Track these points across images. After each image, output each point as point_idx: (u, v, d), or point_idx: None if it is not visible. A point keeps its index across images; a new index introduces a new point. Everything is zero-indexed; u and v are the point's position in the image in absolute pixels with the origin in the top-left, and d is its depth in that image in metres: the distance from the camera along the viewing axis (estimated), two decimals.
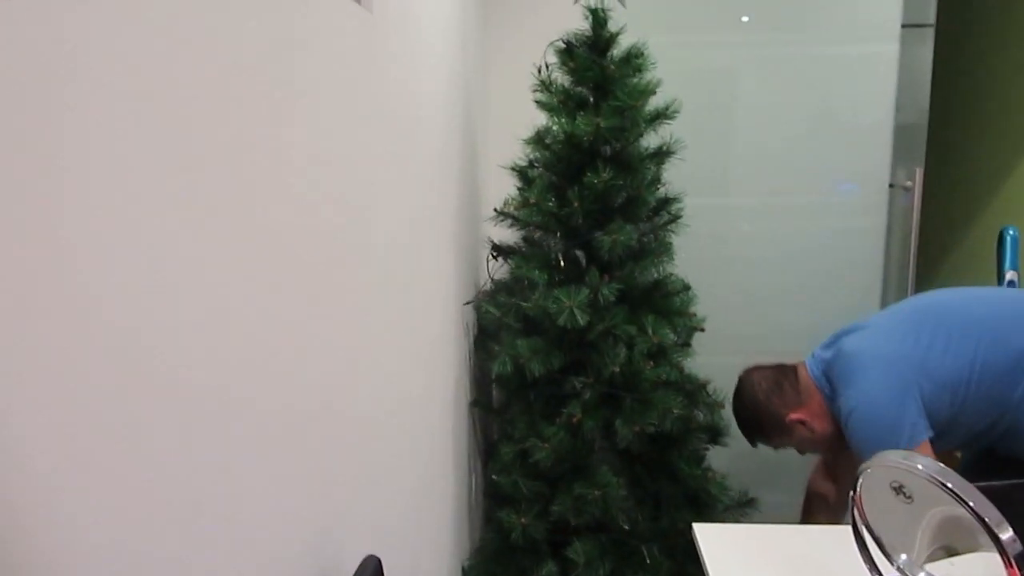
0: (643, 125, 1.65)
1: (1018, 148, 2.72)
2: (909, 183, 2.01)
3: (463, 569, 1.67)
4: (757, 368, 1.64)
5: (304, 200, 0.74)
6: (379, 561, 0.76)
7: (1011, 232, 1.88)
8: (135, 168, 0.47)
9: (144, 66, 0.48)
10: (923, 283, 3.39)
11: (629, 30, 1.67)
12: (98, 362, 0.44)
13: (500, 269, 1.83)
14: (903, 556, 0.88)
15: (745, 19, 2.03)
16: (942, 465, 0.81)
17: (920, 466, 0.81)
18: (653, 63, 1.66)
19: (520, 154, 1.73)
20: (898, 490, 0.84)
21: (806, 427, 1.55)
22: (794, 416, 1.55)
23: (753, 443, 1.68)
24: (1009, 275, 1.87)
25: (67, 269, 0.41)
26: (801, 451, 1.65)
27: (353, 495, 0.88)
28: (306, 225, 0.74)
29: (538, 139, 1.69)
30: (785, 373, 1.60)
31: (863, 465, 0.87)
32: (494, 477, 1.66)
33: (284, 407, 0.68)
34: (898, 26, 1.95)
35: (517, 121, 1.80)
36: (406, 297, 1.19)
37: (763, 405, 1.58)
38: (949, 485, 0.78)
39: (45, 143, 0.40)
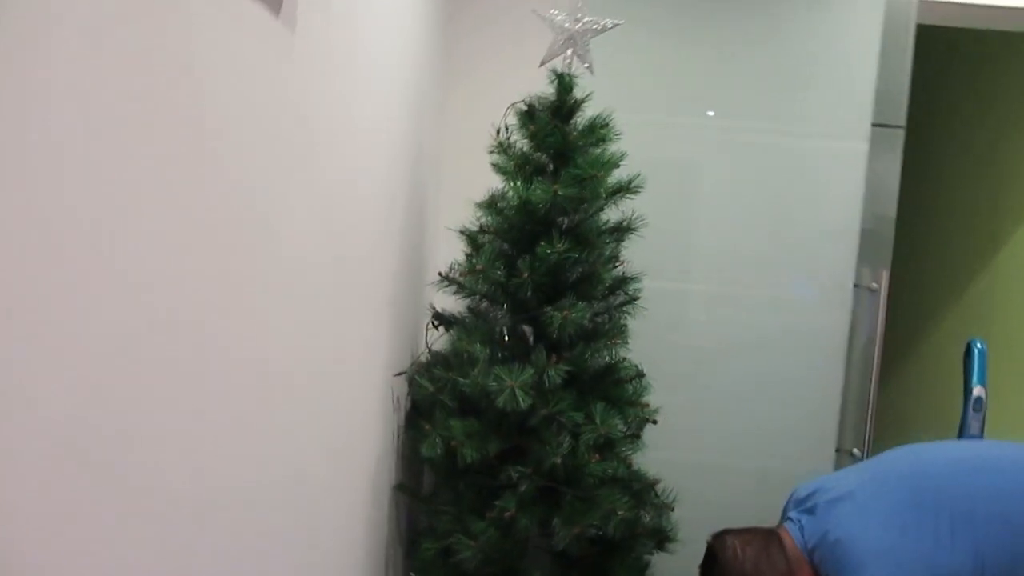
0: (604, 198, 1.55)
1: (984, 255, 2.71)
2: (875, 284, 1.94)
3: None
4: (733, 533, 1.40)
5: (212, 243, 0.59)
6: None
7: (979, 345, 1.80)
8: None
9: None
10: (886, 387, 3.32)
11: (595, 100, 1.59)
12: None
13: (440, 339, 1.68)
14: None
15: (711, 114, 1.98)
16: None
17: None
18: (618, 135, 1.57)
19: (471, 217, 1.61)
20: None
21: None
22: None
23: None
24: (976, 391, 1.78)
25: None
26: None
27: None
28: (208, 273, 0.59)
29: (491, 203, 1.57)
30: (770, 540, 1.36)
31: None
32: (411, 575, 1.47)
33: (157, 496, 0.52)
34: (868, 125, 1.91)
35: (471, 182, 1.69)
36: (327, 366, 1.03)
37: None
38: None
39: None
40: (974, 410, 1.86)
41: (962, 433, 1.98)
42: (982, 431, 1.97)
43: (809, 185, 1.96)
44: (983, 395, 1.80)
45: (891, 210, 2.00)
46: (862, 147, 1.94)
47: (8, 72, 0.38)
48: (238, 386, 0.73)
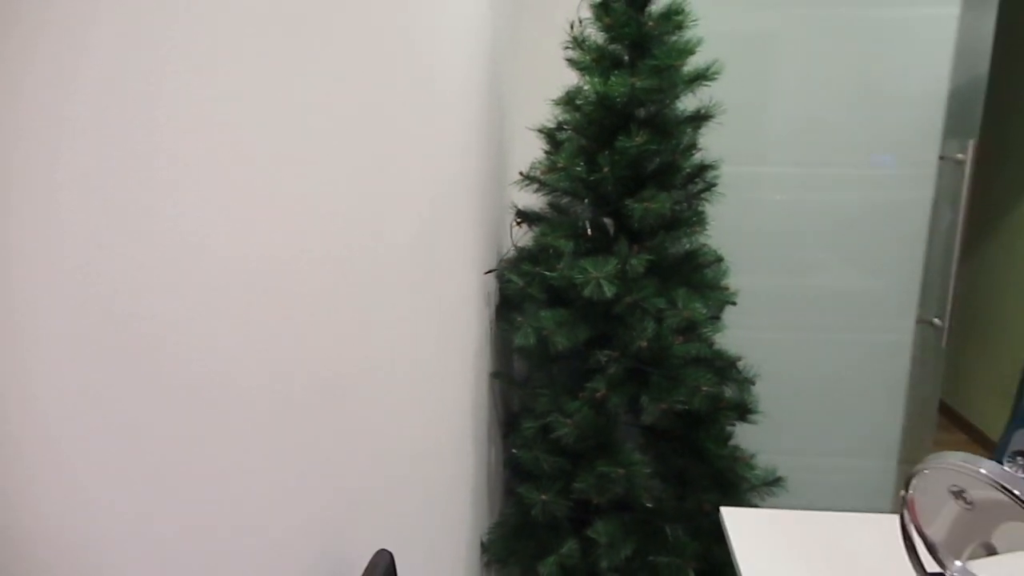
0: (681, 87, 1.55)
1: None
2: (961, 156, 1.90)
3: (482, 543, 1.64)
4: None
5: (323, 162, 0.67)
6: (391, 556, 0.71)
7: None
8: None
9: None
10: (969, 260, 3.27)
11: None
12: (94, 353, 0.38)
13: (524, 236, 1.76)
14: (957, 563, 0.81)
15: None
16: (1008, 470, 0.74)
17: (984, 470, 0.74)
18: (694, 20, 1.55)
19: (549, 115, 1.64)
20: (957, 495, 0.77)
21: None
22: None
23: None
24: None
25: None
26: None
27: (367, 480, 0.83)
28: (322, 191, 0.68)
29: (568, 100, 1.59)
30: None
31: (919, 465, 0.80)
32: (515, 452, 1.62)
33: (288, 393, 0.63)
34: None
35: (547, 80, 1.71)
36: (425, 267, 1.12)
37: None
38: (1016, 492, 0.71)
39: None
40: None
41: None
42: None
43: (892, 57, 1.90)
44: None
45: (982, 74, 1.92)
46: (952, 12, 1.84)
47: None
48: (356, 282, 0.83)
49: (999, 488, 0.70)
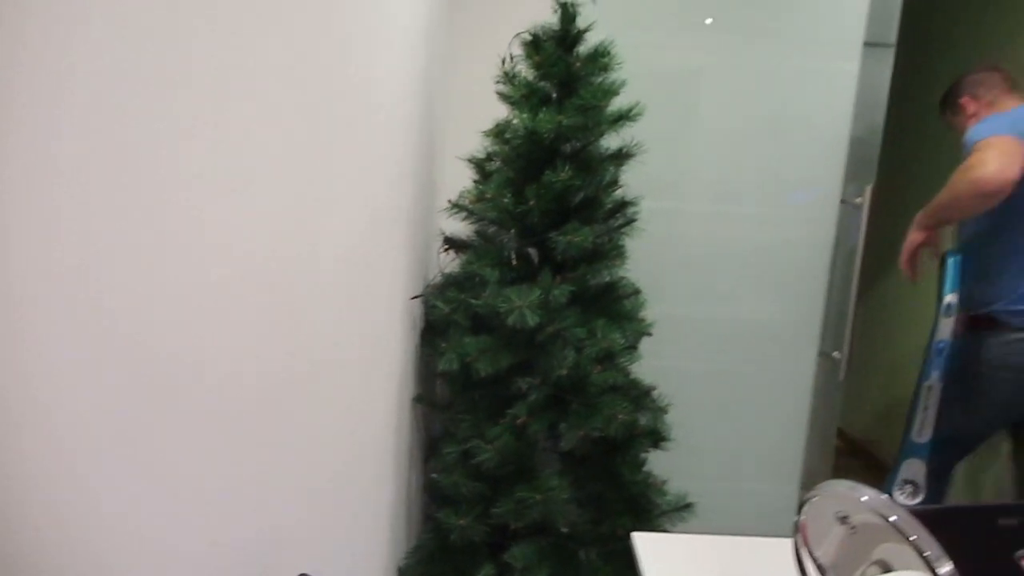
0: (605, 126, 1.62)
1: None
2: (859, 199, 2.04)
3: (399, 570, 1.64)
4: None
5: (253, 188, 0.69)
6: None
7: (953, 257, 1.92)
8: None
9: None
10: (867, 296, 3.48)
11: (597, 24, 1.63)
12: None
13: (451, 263, 1.79)
14: None
15: (709, 21, 2.02)
16: (886, 497, 0.81)
17: (864, 498, 0.81)
18: (619, 63, 1.63)
19: (479, 146, 1.69)
20: (843, 520, 0.84)
21: None
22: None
23: None
24: (948, 298, 1.92)
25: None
26: None
27: (288, 505, 0.83)
28: (251, 215, 0.69)
29: (498, 132, 1.64)
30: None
31: (810, 492, 0.87)
32: (435, 476, 1.63)
33: (212, 416, 0.64)
34: (860, 44, 1.97)
35: (478, 112, 1.75)
36: (354, 292, 1.14)
37: None
38: (891, 519, 0.79)
39: None
40: (944, 315, 2.01)
41: (933, 334, 2.14)
42: (952, 335, 2.13)
43: (800, 103, 2.04)
44: (954, 302, 1.94)
45: (878, 126, 2.08)
46: (853, 66, 2.00)
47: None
48: (285, 307, 0.84)
49: (876, 514, 0.77)
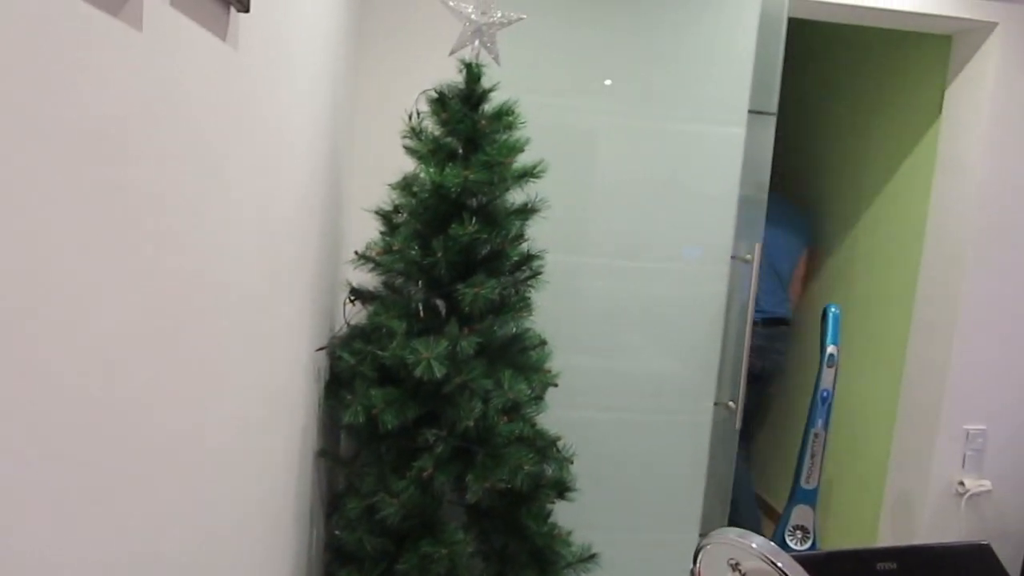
0: (510, 181, 1.67)
1: (841, 233, 3.02)
2: (749, 256, 2.17)
3: None
4: None
5: (155, 238, 0.67)
6: None
7: (833, 310, 2.07)
8: None
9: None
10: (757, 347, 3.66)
11: (501, 81, 1.69)
12: None
13: (358, 314, 1.77)
14: None
15: (608, 82, 2.13)
16: (774, 544, 0.85)
17: (754, 545, 0.85)
18: (523, 122, 1.69)
19: (386, 198, 1.70)
20: (734, 567, 0.88)
21: None
22: None
23: None
24: (830, 349, 2.05)
25: None
26: None
27: (181, 563, 0.80)
28: (153, 267, 0.67)
29: (405, 185, 1.66)
30: None
31: (704, 540, 0.90)
32: (337, 533, 1.58)
33: (97, 471, 0.61)
34: (745, 112, 2.12)
35: (383, 165, 1.77)
36: (256, 343, 1.11)
37: None
38: (779, 564, 0.83)
39: None
40: (827, 365, 2.15)
41: (818, 383, 2.28)
42: (835, 382, 2.27)
43: (693, 166, 2.16)
44: (836, 352, 2.08)
45: (764, 183, 2.23)
46: (740, 131, 2.15)
47: None
48: (185, 356, 0.82)
49: (764, 560, 0.81)
